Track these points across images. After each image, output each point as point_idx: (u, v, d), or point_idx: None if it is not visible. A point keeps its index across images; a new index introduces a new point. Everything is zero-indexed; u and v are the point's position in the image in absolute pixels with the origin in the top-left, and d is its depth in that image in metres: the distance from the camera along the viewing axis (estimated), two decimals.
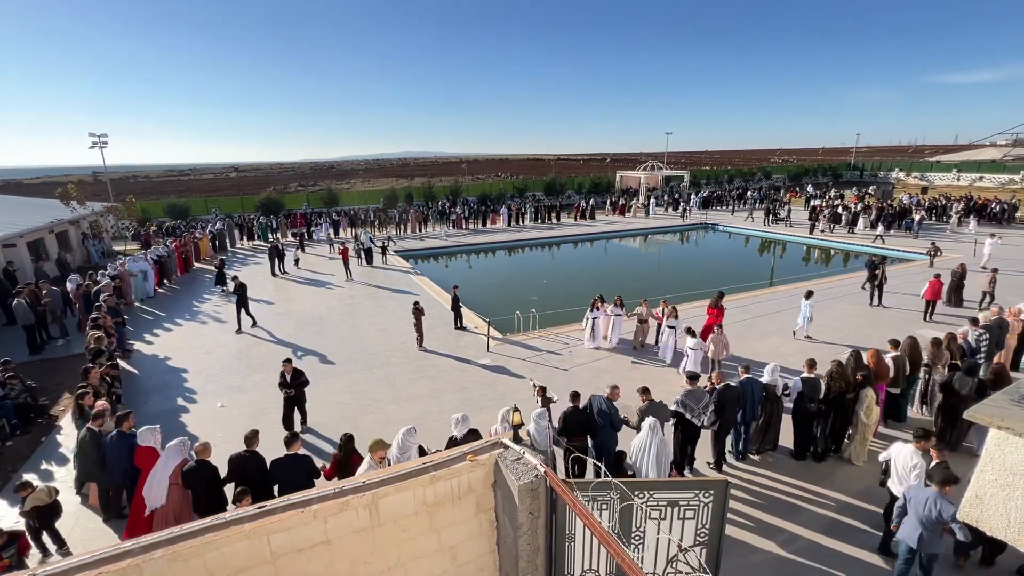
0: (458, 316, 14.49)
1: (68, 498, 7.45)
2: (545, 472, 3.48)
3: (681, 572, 4.08)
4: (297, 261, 22.97)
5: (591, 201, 37.73)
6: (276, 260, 21.22)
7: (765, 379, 7.99)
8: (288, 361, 9.10)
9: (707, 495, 4.04)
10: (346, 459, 6.40)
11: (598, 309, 12.70)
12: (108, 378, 8.88)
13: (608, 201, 40.00)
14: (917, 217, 27.24)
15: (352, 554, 3.37)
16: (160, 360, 12.59)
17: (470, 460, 3.72)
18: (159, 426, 6.94)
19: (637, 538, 4.04)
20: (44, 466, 8.31)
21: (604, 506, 3.86)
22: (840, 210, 29.26)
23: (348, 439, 6.51)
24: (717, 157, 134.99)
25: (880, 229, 25.08)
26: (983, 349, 9.48)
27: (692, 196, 40.78)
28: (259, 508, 3.21)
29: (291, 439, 6.42)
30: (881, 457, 6.42)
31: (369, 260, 22.96)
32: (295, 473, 6.16)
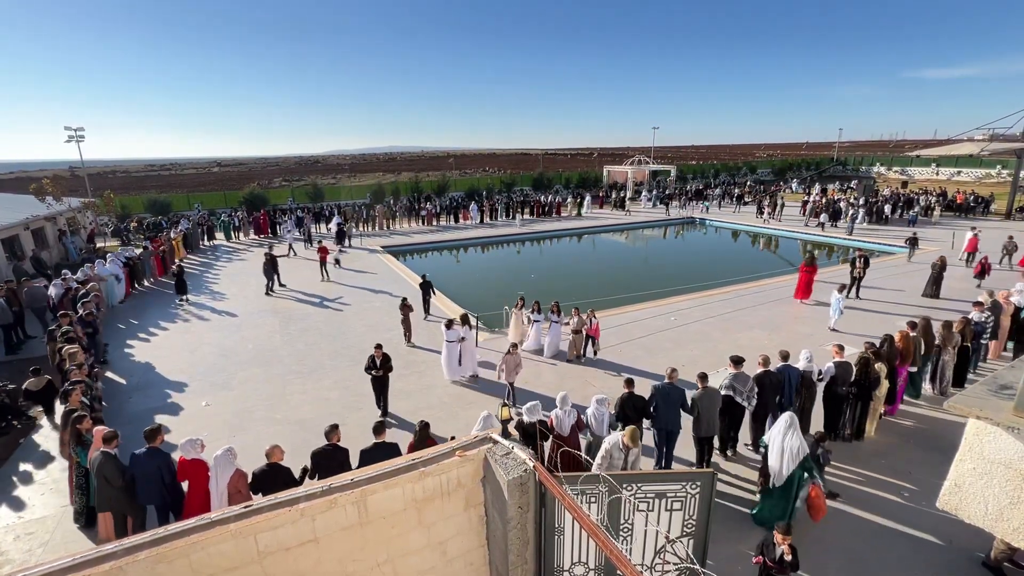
0: (427, 305, 15.01)
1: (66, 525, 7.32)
2: (534, 466, 3.49)
3: (669, 563, 4.13)
4: (338, 262, 21.66)
5: (554, 198, 37.19)
6: (273, 275, 17.93)
7: (801, 366, 8.27)
8: (379, 346, 9.59)
9: (694, 486, 4.09)
10: (420, 446, 6.42)
11: (537, 312, 12.22)
12: (87, 399, 7.89)
13: (547, 199, 38.09)
14: (917, 208, 29.09)
15: (340, 552, 3.35)
16: (142, 360, 12.33)
17: (459, 456, 3.72)
18: (200, 438, 6.40)
19: (625, 530, 4.07)
20: (22, 468, 8.13)
21: (593, 499, 3.88)
22: (842, 204, 29.76)
23: (424, 426, 6.61)
24: (703, 152, 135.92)
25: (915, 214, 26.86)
26: (988, 329, 10.54)
27: (645, 192, 40.50)
28: (245, 507, 3.17)
29: (379, 428, 6.44)
30: None
31: (340, 240, 25.47)
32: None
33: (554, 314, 11.93)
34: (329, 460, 6.19)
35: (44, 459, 8.38)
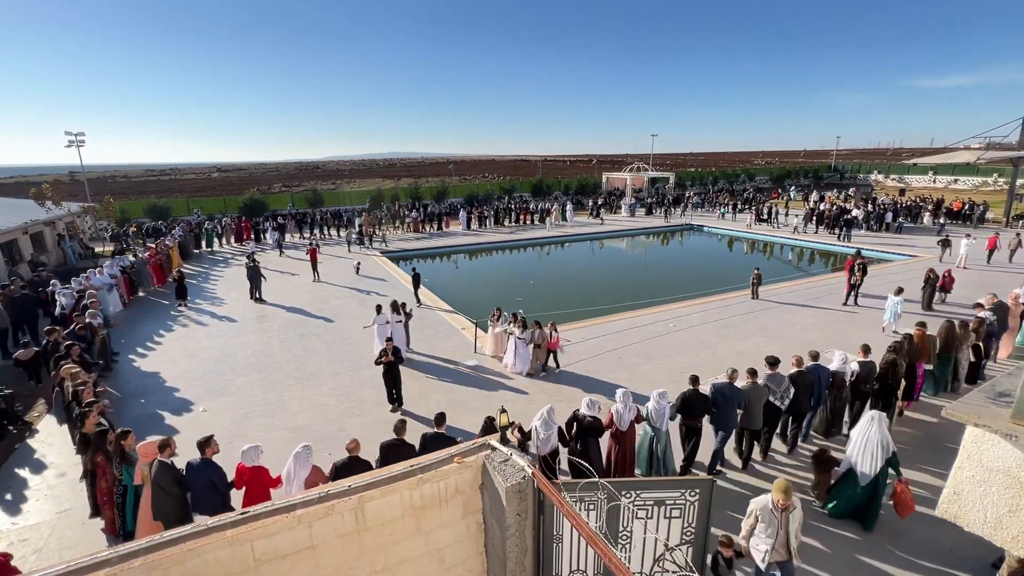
0: (417, 297, 17.14)
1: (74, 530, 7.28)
2: (533, 473, 3.48)
3: (668, 571, 4.11)
4: (358, 268, 21.25)
5: (541, 205, 36.97)
6: (257, 282, 17.61)
7: (834, 366, 8.31)
8: (390, 339, 10.41)
9: (693, 494, 4.07)
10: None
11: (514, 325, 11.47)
12: (104, 417, 7.54)
13: (538, 206, 37.40)
14: (938, 219, 29.35)
15: (338, 559, 3.33)
16: (140, 366, 12.30)
17: (457, 462, 3.71)
18: (260, 444, 6.50)
19: (624, 538, 4.05)
20: (18, 473, 8.08)
21: (591, 506, 3.86)
22: (855, 212, 29.63)
23: (490, 421, 6.79)
24: (702, 159, 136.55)
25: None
26: (995, 328, 10.93)
27: (625, 200, 40.49)
28: (242, 514, 3.15)
29: (440, 419, 6.84)
30: None
31: (351, 245, 27.10)
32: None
33: (520, 329, 11.13)
34: (396, 452, 6.41)
35: (39, 465, 8.33)
